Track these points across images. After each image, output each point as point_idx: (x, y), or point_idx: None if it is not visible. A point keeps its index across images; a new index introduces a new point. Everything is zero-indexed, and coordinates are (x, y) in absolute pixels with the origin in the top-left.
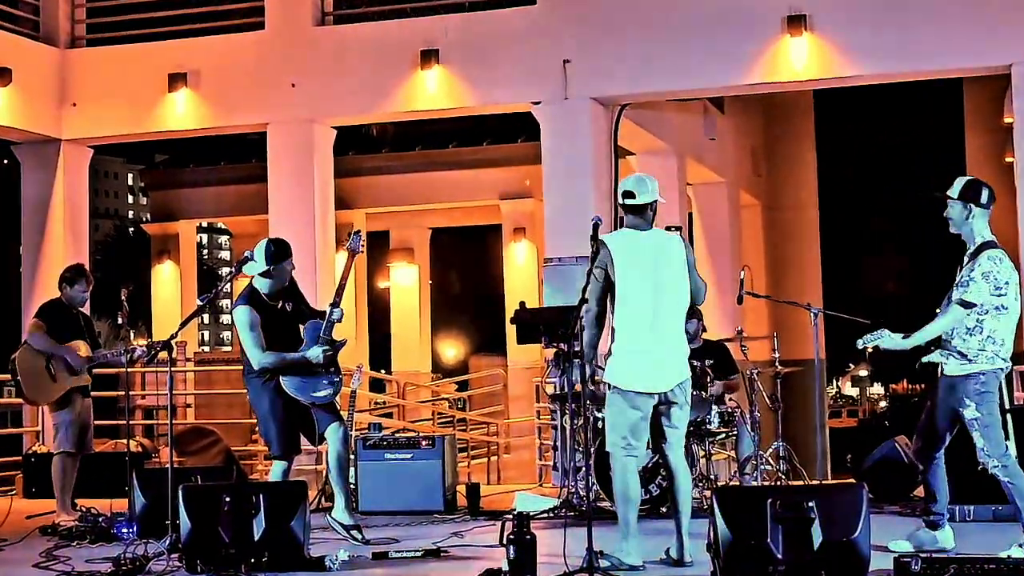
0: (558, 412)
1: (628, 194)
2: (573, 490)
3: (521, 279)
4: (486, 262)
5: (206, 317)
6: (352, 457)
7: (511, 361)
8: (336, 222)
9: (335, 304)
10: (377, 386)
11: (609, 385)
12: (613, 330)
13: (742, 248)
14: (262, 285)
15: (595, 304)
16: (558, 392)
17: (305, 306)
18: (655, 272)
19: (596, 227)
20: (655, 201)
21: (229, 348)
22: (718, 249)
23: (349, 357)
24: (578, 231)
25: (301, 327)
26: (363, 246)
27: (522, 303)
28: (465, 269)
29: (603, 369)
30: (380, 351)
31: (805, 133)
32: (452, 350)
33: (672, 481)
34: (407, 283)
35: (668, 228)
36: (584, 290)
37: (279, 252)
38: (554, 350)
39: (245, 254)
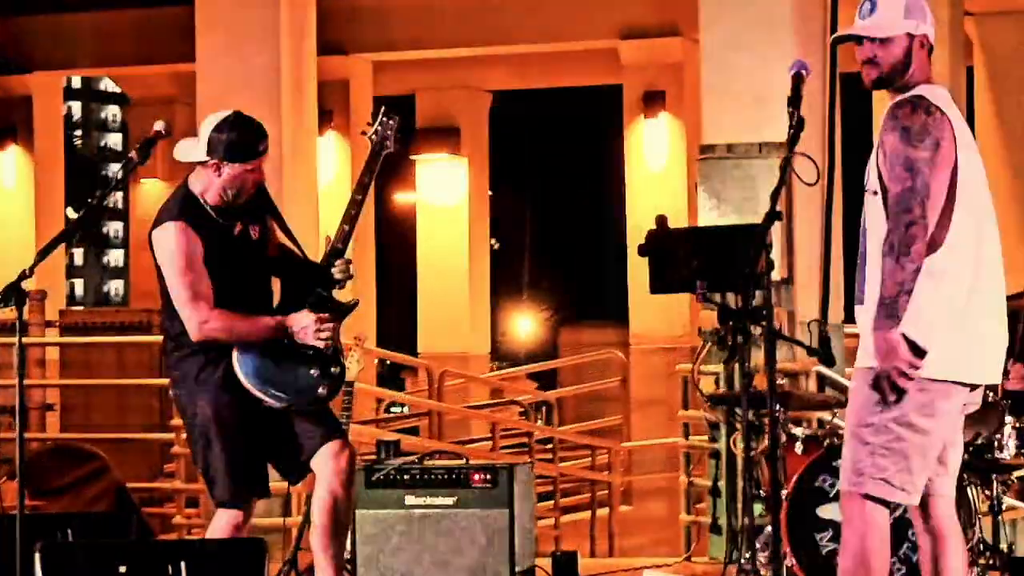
0: (722, 427)
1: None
2: (748, 566)
3: (655, 182)
4: (593, 153)
5: (79, 253)
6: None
7: (635, 336)
8: (320, 79)
9: (339, 249)
10: (393, 377)
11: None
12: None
13: None
14: (206, 187)
15: (926, 211)
16: (722, 391)
17: (285, 231)
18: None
19: (798, 82)
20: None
21: (121, 306)
22: (1014, 122)
23: (345, 326)
24: (759, 97)
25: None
26: (395, 139)
27: (661, 219)
28: (553, 167)
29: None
30: (398, 317)
31: None
32: (527, 318)
33: (938, 547)
34: (448, 194)
35: None
36: (775, 197)
37: (246, 137)
38: (716, 310)
39: (156, 127)
